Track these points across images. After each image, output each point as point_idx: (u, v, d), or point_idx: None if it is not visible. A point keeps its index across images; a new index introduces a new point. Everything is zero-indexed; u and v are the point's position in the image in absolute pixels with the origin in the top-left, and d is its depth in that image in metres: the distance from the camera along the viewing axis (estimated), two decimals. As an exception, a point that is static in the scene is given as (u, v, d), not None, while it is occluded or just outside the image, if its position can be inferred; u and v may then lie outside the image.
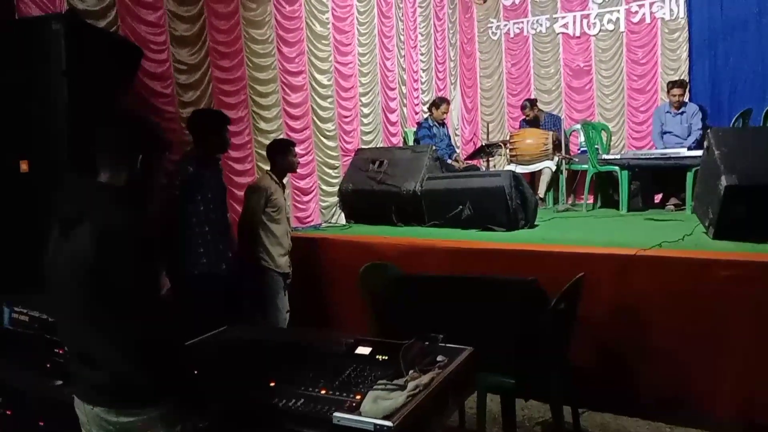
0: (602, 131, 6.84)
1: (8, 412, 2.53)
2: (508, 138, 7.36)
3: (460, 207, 4.80)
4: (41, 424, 2.40)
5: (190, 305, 3.40)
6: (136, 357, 1.61)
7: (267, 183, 4.11)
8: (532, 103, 7.58)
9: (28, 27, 3.41)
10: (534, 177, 6.87)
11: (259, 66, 5.65)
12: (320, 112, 6.46)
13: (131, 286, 1.58)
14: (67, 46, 3.10)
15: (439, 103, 6.94)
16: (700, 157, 4.49)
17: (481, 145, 7.30)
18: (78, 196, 1.73)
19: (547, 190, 6.77)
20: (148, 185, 1.81)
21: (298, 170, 4.64)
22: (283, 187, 4.24)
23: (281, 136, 5.58)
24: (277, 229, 4.08)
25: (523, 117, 7.64)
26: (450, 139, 7.15)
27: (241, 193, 4.55)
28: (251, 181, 4.73)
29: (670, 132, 6.50)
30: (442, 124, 7.02)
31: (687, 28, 7.80)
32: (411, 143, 7.32)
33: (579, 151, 7.35)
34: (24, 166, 3.19)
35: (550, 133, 6.79)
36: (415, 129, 7.31)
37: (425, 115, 7.30)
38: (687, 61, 7.79)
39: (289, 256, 4.19)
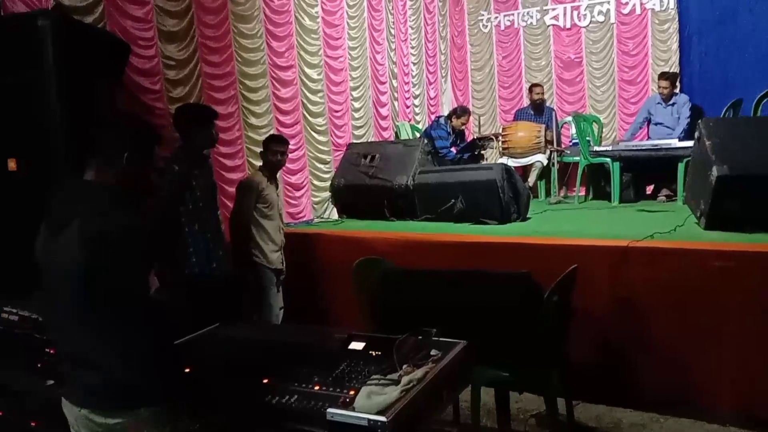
0: (593, 123, 6.85)
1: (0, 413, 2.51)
2: (500, 131, 7.34)
3: (453, 200, 4.80)
4: (33, 424, 2.38)
5: (181, 305, 3.37)
6: (126, 358, 1.59)
7: (258, 179, 4.09)
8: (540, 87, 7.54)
9: (14, 23, 3.38)
10: (526, 170, 6.86)
11: (249, 61, 5.61)
12: (311, 107, 6.43)
13: (122, 287, 1.56)
14: (53, 42, 3.06)
15: (460, 113, 6.90)
16: (691, 147, 4.50)
17: (473, 139, 7.29)
18: (67, 196, 1.70)
19: (538, 179, 6.76)
20: (141, 184, 1.78)
21: (289, 166, 4.63)
22: (276, 183, 4.22)
23: (272, 131, 5.55)
24: (269, 226, 4.06)
25: (531, 98, 7.48)
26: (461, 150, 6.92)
27: (232, 190, 4.53)
28: (242, 177, 4.70)
29: (660, 123, 6.51)
30: (461, 133, 6.97)
31: (677, 19, 7.82)
32: (407, 137, 7.28)
33: (570, 143, 7.34)
34: (12, 165, 3.15)
35: (543, 125, 6.79)
36: (429, 124, 7.18)
37: (443, 117, 7.16)
38: (677, 52, 7.81)
39: (282, 252, 4.18)
